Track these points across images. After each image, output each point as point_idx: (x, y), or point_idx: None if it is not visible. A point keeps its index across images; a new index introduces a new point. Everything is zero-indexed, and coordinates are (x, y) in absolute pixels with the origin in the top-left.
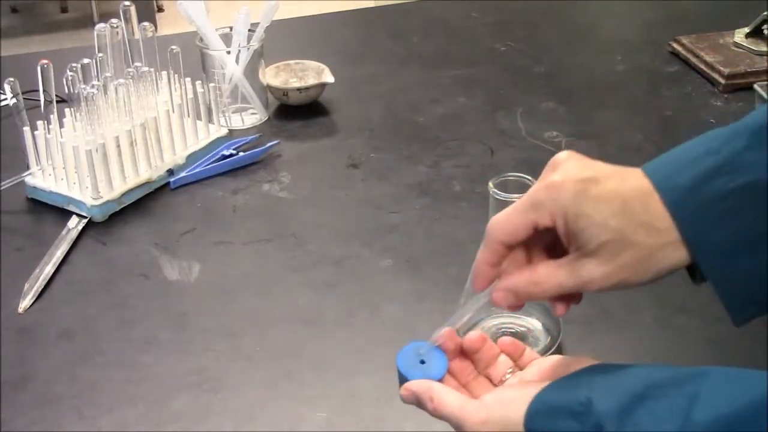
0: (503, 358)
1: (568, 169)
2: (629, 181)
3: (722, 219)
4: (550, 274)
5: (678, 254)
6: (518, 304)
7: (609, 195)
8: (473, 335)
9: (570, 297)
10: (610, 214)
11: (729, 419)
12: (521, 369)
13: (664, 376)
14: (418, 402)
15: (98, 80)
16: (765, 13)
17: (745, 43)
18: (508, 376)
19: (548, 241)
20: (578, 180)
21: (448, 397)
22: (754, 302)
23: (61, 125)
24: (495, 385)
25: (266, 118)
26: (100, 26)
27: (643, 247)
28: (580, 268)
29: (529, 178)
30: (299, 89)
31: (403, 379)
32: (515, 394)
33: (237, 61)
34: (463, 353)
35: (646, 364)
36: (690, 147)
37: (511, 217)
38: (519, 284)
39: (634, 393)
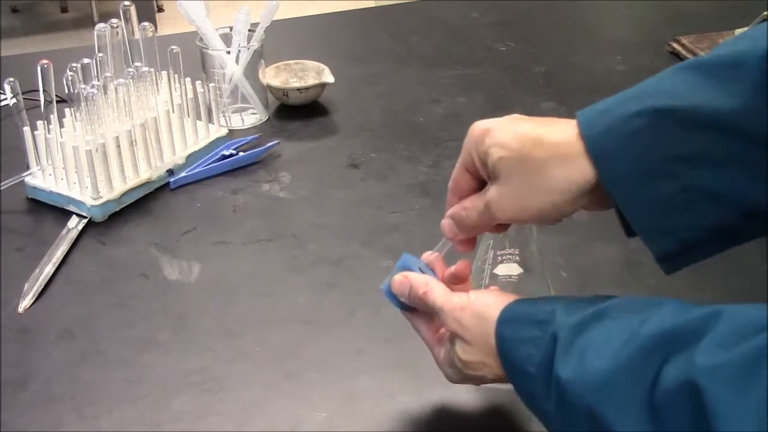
0: None
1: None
2: (551, 121)
3: (627, 140)
4: (472, 200)
5: (571, 169)
6: (461, 233)
7: (511, 127)
8: (461, 264)
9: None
10: (509, 135)
11: (667, 331)
12: None
13: (627, 302)
14: (408, 290)
15: (98, 80)
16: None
17: None
18: None
19: None
20: (496, 120)
21: (438, 287)
22: (666, 233)
23: (61, 125)
24: None
25: (266, 118)
26: (100, 26)
27: (533, 159)
28: (486, 191)
29: None
30: (299, 89)
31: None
32: (495, 297)
33: (237, 61)
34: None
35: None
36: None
37: (454, 172)
38: (453, 211)
39: (595, 311)
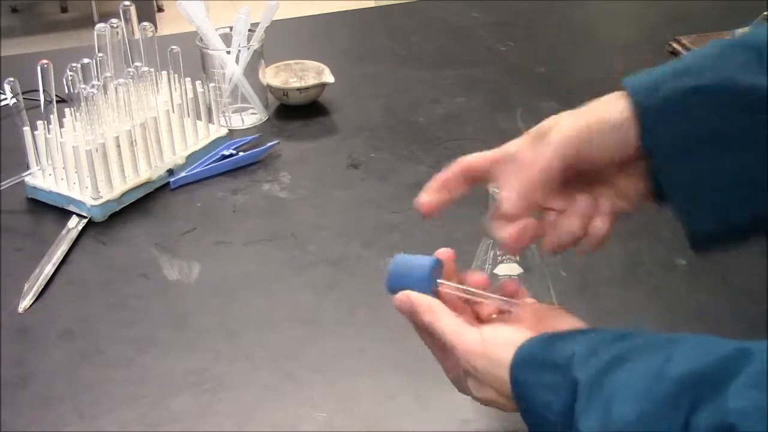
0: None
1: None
2: None
3: (675, 114)
4: (534, 154)
5: (622, 122)
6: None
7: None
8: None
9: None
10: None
11: (695, 373)
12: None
13: (647, 341)
14: (410, 311)
15: (98, 80)
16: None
17: None
18: (494, 316)
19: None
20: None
21: (446, 316)
22: (705, 207)
23: (61, 125)
24: (480, 321)
25: (266, 118)
26: (100, 26)
27: (602, 101)
28: (553, 132)
29: None
30: (299, 89)
31: (395, 279)
32: (508, 337)
33: (237, 61)
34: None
35: (629, 329)
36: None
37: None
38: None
39: (615, 356)
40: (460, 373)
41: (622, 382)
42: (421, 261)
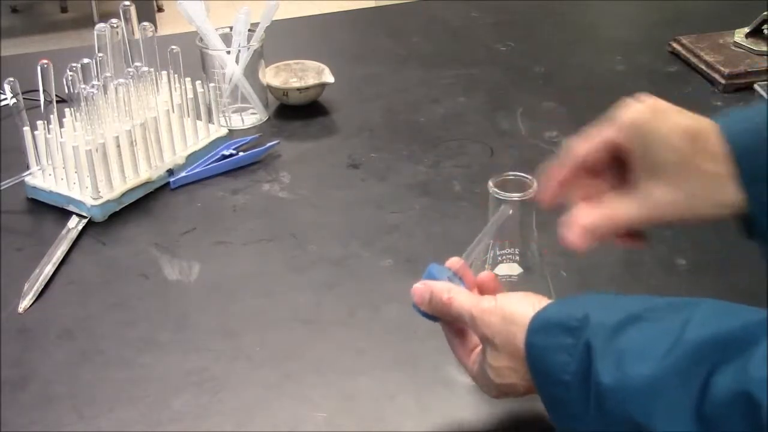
0: None
1: (644, 99)
2: (696, 119)
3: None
4: (620, 207)
5: (734, 188)
6: (591, 242)
7: (676, 123)
8: (484, 274)
9: (636, 237)
10: (677, 136)
11: (715, 338)
12: None
13: (661, 302)
14: (429, 297)
15: (98, 80)
16: (765, 13)
17: (745, 43)
18: None
19: (615, 180)
20: (651, 106)
21: (463, 292)
22: None
23: (61, 125)
24: None
25: (266, 118)
26: (100, 26)
27: (707, 173)
28: (650, 195)
29: (529, 177)
30: (299, 89)
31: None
32: (524, 301)
33: (237, 61)
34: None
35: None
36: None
37: (588, 136)
38: (590, 220)
39: (631, 314)
40: (481, 363)
41: (636, 340)
42: (435, 269)
